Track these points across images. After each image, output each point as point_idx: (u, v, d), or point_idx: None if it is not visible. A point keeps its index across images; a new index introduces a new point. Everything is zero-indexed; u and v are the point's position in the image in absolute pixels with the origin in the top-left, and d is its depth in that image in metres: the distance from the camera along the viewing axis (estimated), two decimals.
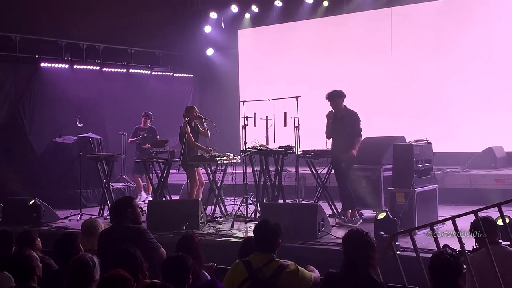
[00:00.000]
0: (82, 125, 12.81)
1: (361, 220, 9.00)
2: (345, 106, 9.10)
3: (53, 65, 13.31)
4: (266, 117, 10.26)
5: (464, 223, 5.46)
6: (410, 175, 8.10)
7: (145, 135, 12.52)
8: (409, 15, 13.30)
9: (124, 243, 4.81)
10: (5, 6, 12.90)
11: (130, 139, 12.86)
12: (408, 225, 7.31)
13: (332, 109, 9.05)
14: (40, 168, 12.54)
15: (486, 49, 12.40)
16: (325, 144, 9.55)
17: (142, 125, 12.70)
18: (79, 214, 10.42)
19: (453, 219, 5.31)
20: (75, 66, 13.72)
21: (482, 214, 5.34)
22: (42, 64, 13.08)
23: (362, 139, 9.16)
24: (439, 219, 7.53)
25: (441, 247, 5.09)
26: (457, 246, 5.17)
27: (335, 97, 9.04)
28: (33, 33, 13.33)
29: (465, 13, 12.71)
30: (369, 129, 11.57)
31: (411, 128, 11.64)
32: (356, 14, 13.94)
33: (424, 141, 8.60)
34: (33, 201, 9.99)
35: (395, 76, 13.34)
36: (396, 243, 6.40)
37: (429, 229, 5.86)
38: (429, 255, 5.30)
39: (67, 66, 13.61)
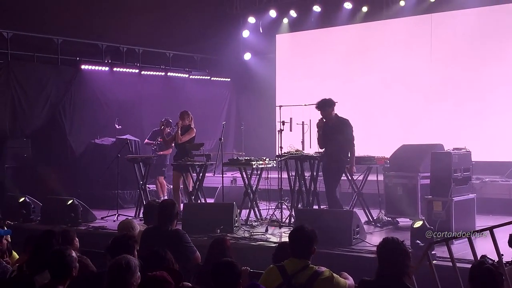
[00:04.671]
0: (120, 127, 12.96)
1: None
2: (335, 114, 9.16)
3: (93, 67, 13.52)
4: (302, 122, 10.24)
5: (503, 234, 5.37)
6: (448, 183, 7.99)
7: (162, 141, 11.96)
8: (450, 22, 13.11)
9: (166, 245, 4.88)
10: (48, 10, 13.18)
11: (147, 140, 12.52)
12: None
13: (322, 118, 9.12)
14: (79, 168, 12.75)
15: None
16: (361, 150, 9.51)
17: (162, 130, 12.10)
18: (115, 214, 10.57)
19: (491, 229, 5.22)
20: (114, 69, 13.92)
21: None
22: (82, 66, 13.30)
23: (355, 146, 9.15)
24: (477, 229, 7.41)
25: (478, 257, 5.00)
26: (495, 257, 5.08)
27: (325, 106, 9.09)
28: (75, 35, 13.57)
29: (507, 20, 12.47)
30: (407, 136, 11.51)
31: (449, 136, 11.47)
32: (396, 20, 13.81)
33: (463, 150, 8.49)
34: (71, 201, 10.16)
35: (434, 83, 13.17)
36: (432, 252, 6.32)
37: (466, 240, 5.78)
38: (466, 265, 5.24)
39: (107, 68, 13.81)
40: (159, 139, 12.11)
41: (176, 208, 6.14)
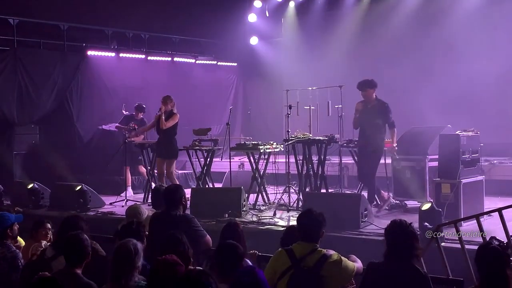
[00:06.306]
0: (127, 112, 12.96)
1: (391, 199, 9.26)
2: (376, 96, 9.03)
3: (99, 53, 13.52)
4: (310, 106, 10.21)
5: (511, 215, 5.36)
6: (456, 165, 7.96)
7: (136, 126, 11.68)
8: (457, 2, 13.01)
9: (174, 229, 4.90)
10: None
11: (118, 124, 12.07)
12: (453, 216, 7.20)
13: (362, 99, 9.03)
14: (87, 154, 12.80)
15: None
16: None
17: (134, 115, 11.93)
18: (124, 200, 10.60)
19: (499, 210, 5.22)
20: (121, 55, 13.92)
21: None
22: (89, 52, 13.30)
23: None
24: (485, 210, 7.39)
25: (487, 239, 5.00)
26: (504, 238, 5.08)
27: (366, 86, 8.99)
28: (81, 21, 13.57)
29: None
30: (415, 119, 11.46)
31: (457, 118, 11.41)
32: (402, 2, 13.72)
33: (471, 131, 8.45)
34: (80, 186, 10.20)
35: (442, 65, 13.09)
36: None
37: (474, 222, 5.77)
38: (474, 247, 5.24)
39: (113, 54, 13.81)
40: (131, 124, 11.74)
41: (180, 192, 6.15)
